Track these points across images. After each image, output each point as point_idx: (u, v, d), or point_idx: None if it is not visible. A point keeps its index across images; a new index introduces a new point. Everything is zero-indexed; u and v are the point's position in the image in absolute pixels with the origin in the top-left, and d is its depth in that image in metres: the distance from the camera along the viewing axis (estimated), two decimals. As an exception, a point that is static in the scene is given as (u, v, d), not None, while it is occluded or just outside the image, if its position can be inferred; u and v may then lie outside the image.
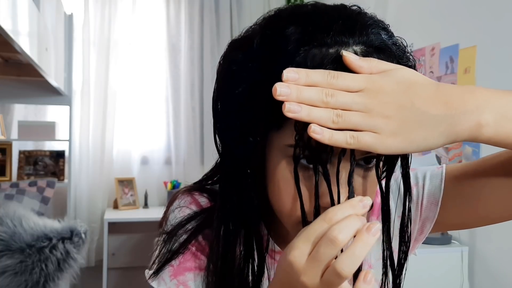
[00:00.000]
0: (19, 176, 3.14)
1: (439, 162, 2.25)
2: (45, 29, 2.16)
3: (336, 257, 0.41)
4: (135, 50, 3.46)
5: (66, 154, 3.25)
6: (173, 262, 0.60)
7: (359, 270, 0.42)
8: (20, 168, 3.17)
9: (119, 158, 3.45)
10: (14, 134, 3.19)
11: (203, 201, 0.64)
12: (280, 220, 0.55)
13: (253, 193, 0.55)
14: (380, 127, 0.44)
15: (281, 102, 0.43)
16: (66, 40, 3.03)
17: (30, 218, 2.30)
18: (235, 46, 0.55)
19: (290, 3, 2.69)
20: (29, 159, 3.21)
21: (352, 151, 0.46)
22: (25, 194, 2.78)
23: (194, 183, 0.67)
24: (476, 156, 2.02)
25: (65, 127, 3.21)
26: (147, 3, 3.52)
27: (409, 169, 0.55)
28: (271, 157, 0.52)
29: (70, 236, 2.26)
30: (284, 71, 0.44)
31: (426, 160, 2.18)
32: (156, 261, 0.61)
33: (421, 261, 1.98)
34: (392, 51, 0.50)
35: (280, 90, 0.43)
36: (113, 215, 3.16)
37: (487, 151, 0.61)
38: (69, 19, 3.05)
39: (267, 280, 0.60)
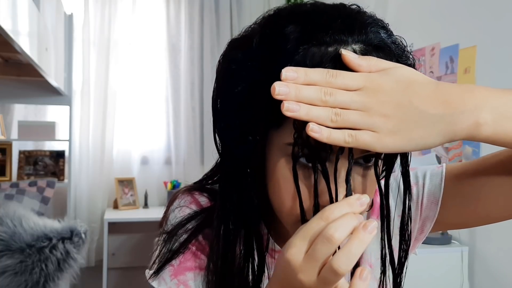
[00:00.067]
0: (19, 176, 3.14)
1: (439, 162, 2.25)
2: (45, 29, 2.16)
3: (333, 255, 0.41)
4: (135, 50, 3.46)
5: (66, 154, 3.25)
6: (173, 262, 0.60)
7: (356, 267, 0.42)
8: (20, 168, 3.17)
9: (119, 158, 3.45)
10: (14, 134, 3.20)
11: (203, 200, 0.64)
12: (280, 219, 0.55)
13: (253, 192, 0.55)
14: (378, 126, 0.44)
15: (281, 101, 0.43)
16: (66, 40, 3.03)
17: (30, 218, 2.30)
18: (234, 45, 0.55)
19: (289, 3, 2.69)
20: (29, 159, 3.21)
21: (351, 149, 0.46)
22: (25, 194, 2.78)
23: (194, 183, 0.67)
24: (476, 156, 2.02)
25: (65, 127, 3.22)
26: (147, 3, 3.52)
27: (408, 167, 0.55)
28: (271, 156, 0.52)
29: (70, 236, 2.26)
30: (283, 70, 0.44)
31: (426, 160, 2.18)
32: (157, 261, 0.61)
33: (421, 261, 1.98)
34: (391, 50, 0.50)
35: (278, 89, 0.43)
36: (113, 215, 3.16)
37: (487, 151, 0.61)
38: (69, 19, 3.05)
39: (267, 279, 0.60)
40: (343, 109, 0.44)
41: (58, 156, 3.26)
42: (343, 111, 0.44)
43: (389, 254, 0.56)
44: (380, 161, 0.52)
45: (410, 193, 0.56)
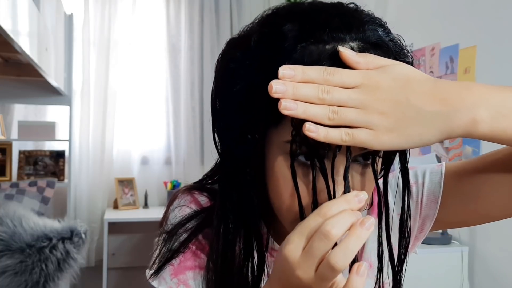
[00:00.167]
0: (19, 176, 3.14)
1: (439, 162, 2.24)
2: (45, 29, 2.16)
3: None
4: (135, 50, 3.47)
5: (66, 154, 3.25)
6: (173, 261, 0.60)
7: (353, 263, 0.42)
8: (20, 168, 3.17)
9: (119, 158, 3.45)
10: (14, 134, 3.20)
11: (203, 200, 0.64)
12: (279, 218, 0.55)
13: (253, 191, 0.55)
14: (376, 124, 0.44)
15: (279, 99, 0.43)
16: (66, 40, 3.03)
17: (30, 218, 2.30)
18: (233, 45, 0.55)
19: (288, 2, 2.69)
20: (29, 159, 3.21)
21: (348, 146, 0.46)
22: (25, 194, 2.78)
23: (195, 183, 0.67)
24: (476, 155, 2.02)
25: (65, 127, 3.22)
26: (147, 3, 3.52)
27: (407, 164, 0.55)
28: (270, 154, 0.52)
29: (70, 236, 2.26)
30: (280, 68, 0.44)
31: (426, 160, 2.18)
32: (157, 260, 0.61)
33: (421, 261, 1.98)
34: (389, 47, 0.50)
35: (275, 87, 0.43)
36: (113, 215, 3.16)
37: (487, 150, 0.61)
38: (69, 19, 3.05)
39: (267, 278, 0.60)
40: (340, 106, 0.44)
41: (58, 156, 3.26)
42: (340, 109, 0.44)
43: (389, 252, 0.56)
44: (378, 159, 0.52)
45: (409, 190, 0.56)
